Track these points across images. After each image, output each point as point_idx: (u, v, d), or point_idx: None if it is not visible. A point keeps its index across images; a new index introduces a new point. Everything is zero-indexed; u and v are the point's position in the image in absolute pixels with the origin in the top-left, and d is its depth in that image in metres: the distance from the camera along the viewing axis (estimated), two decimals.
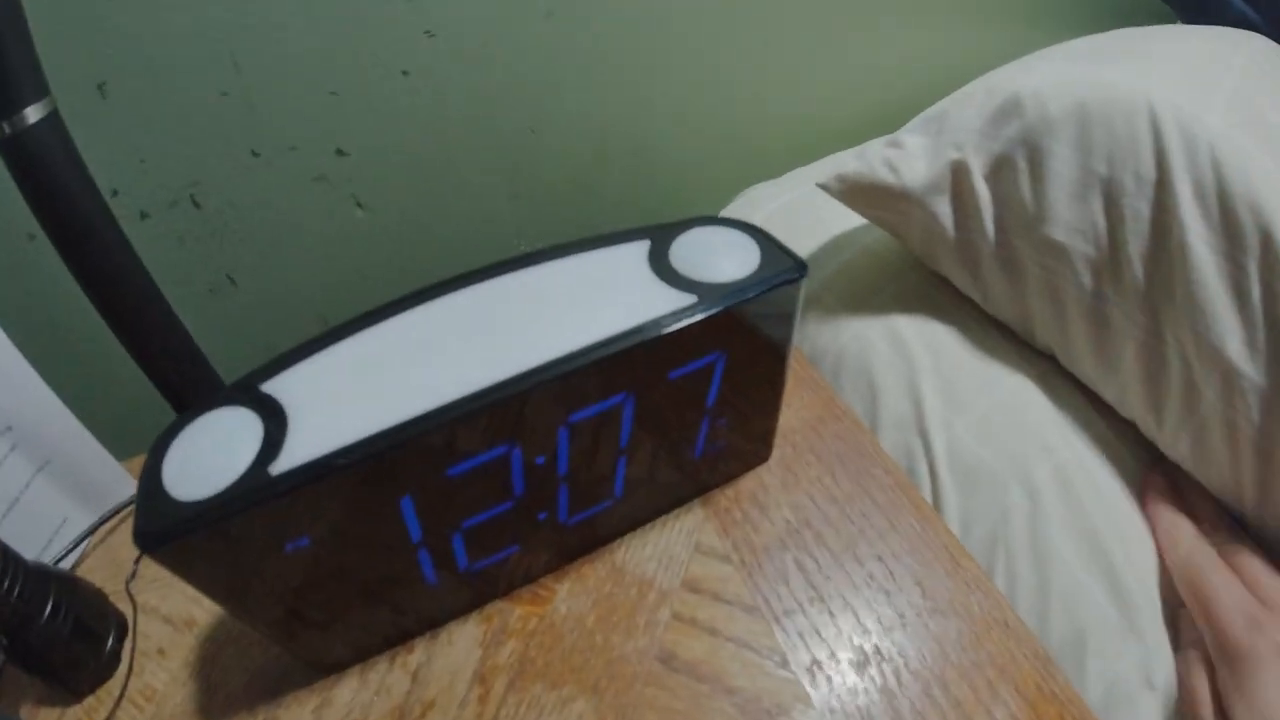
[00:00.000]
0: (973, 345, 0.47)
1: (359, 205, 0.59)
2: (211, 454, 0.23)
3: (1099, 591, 0.37)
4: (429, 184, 0.60)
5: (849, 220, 0.57)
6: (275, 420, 0.24)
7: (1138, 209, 0.37)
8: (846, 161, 0.48)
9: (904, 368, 0.47)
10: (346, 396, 0.25)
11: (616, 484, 0.33)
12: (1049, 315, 0.43)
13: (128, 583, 0.37)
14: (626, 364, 0.26)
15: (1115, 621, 0.36)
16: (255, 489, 0.22)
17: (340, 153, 0.56)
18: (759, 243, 0.30)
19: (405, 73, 0.53)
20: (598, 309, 0.27)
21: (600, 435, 0.29)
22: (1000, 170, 0.42)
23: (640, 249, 0.30)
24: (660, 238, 0.30)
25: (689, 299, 0.27)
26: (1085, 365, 0.43)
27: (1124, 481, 0.41)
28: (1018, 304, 0.45)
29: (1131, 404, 0.41)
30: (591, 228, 0.68)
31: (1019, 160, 0.41)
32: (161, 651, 0.35)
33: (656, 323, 0.26)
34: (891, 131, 0.49)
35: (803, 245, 0.57)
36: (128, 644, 0.35)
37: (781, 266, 0.28)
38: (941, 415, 0.44)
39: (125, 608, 0.36)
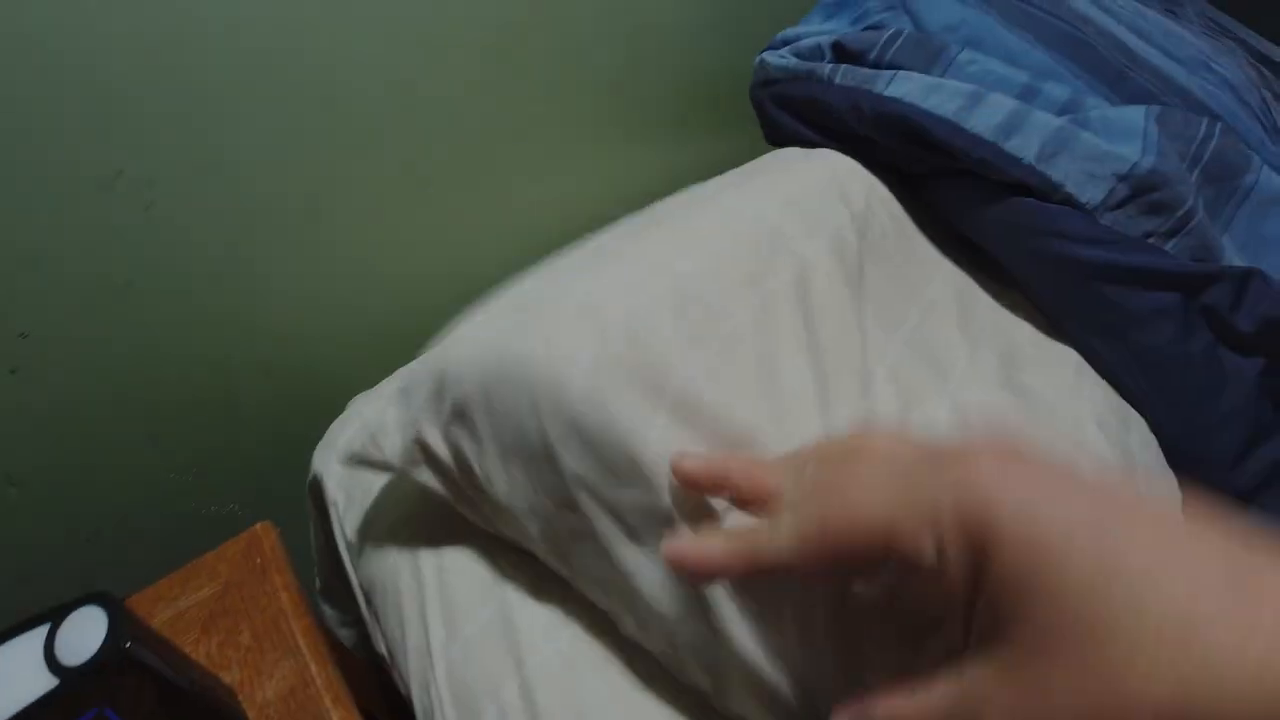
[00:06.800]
0: (478, 563, 0.48)
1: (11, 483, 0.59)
2: None
3: None
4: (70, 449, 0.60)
5: None
6: None
7: (544, 475, 0.39)
8: (356, 437, 0.48)
9: (419, 595, 0.48)
10: None
11: None
12: (538, 549, 0.44)
13: None
14: None
15: None
16: None
17: None
18: (110, 618, 0.36)
19: (13, 371, 0.54)
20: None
21: None
22: (452, 441, 0.43)
23: (39, 636, 0.36)
24: (56, 621, 0.37)
25: (52, 683, 0.34)
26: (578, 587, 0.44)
27: (621, 659, 0.43)
28: (518, 538, 0.45)
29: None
30: (238, 450, 0.67)
31: (459, 432, 0.42)
32: None
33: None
34: None
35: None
36: None
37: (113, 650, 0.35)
38: (442, 641, 0.45)
39: None
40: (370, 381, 0.68)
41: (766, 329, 0.44)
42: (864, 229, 0.55)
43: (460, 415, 0.42)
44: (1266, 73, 0.76)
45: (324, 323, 0.68)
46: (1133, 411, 0.54)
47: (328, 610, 0.66)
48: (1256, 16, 0.89)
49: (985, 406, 0.50)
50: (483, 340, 0.41)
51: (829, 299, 0.49)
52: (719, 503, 0.35)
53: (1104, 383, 0.55)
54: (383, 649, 0.51)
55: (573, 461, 0.37)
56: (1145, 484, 0.40)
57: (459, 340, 0.43)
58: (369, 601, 0.52)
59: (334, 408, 0.67)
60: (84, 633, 0.36)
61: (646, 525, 0.37)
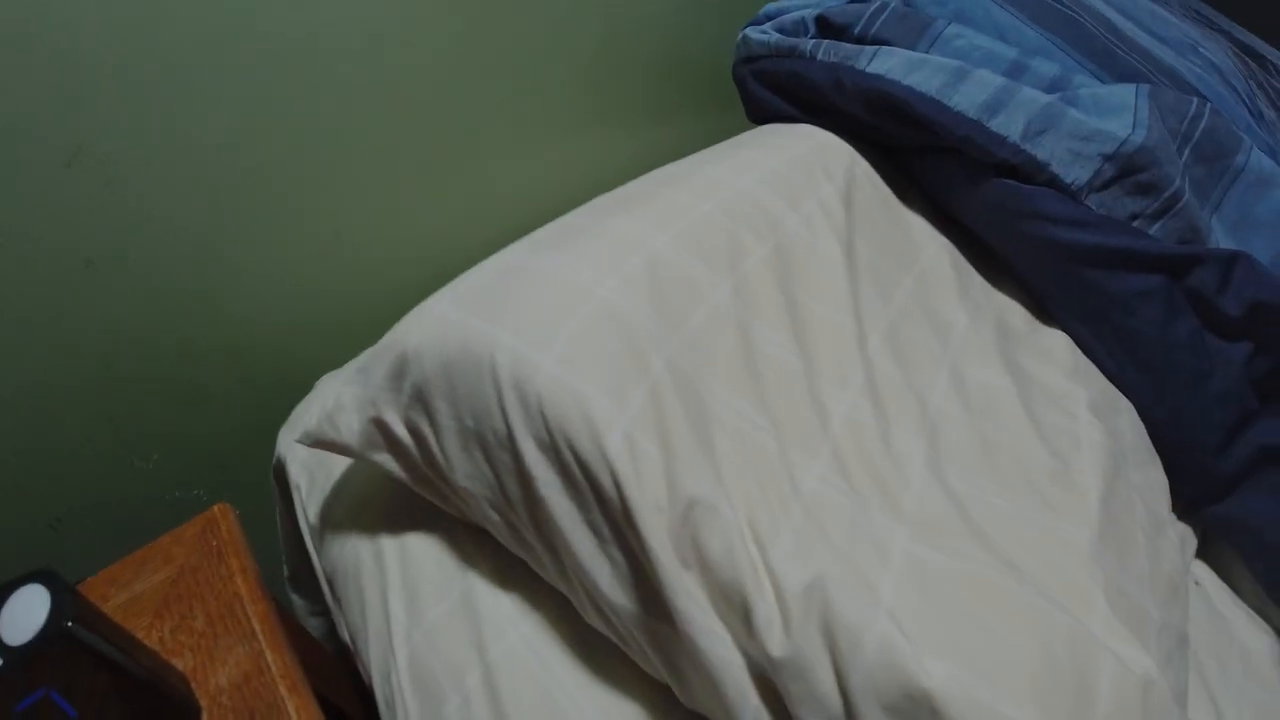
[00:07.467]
0: (441, 548, 0.47)
1: None
2: None
3: None
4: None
5: None
6: None
7: (504, 460, 0.38)
8: (311, 415, 0.46)
9: (380, 580, 0.46)
10: None
11: None
12: (500, 534, 0.43)
13: None
14: None
15: None
16: None
17: None
18: (52, 597, 0.35)
19: None
20: None
21: None
22: (411, 424, 0.42)
23: None
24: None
25: None
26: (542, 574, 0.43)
27: (587, 646, 0.41)
28: (480, 520, 0.44)
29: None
30: (204, 435, 0.65)
31: (418, 415, 0.41)
32: None
33: None
34: None
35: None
36: None
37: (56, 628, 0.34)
38: (404, 627, 0.44)
39: None
40: (339, 363, 0.67)
41: (747, 302, 0.43)
42: (849, 201, 0.54)
43: (420, 398, 0.40)
44: (1251, 63, 0.75)
45: (292, 304, 0.66)
46: (1121, 395, 0.53)
47: (296, 600, 0.64)
48: (1238, 11, 0.89)
49: (985, 389, 0.49)
50: (446, 321, 0.40)
51: (813, 269, 0.48)
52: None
53: (1094, 365, 0.54)
54: (346, 637, 0.49)
55: (534, 449, 0.36)
56: None
57: (421, 320, 0.41)
58: (332, 588, 0.51)
59: (302, 390, 0.65)
60: (28, 612, 0.35)
61: (607, 519, 0.35)
